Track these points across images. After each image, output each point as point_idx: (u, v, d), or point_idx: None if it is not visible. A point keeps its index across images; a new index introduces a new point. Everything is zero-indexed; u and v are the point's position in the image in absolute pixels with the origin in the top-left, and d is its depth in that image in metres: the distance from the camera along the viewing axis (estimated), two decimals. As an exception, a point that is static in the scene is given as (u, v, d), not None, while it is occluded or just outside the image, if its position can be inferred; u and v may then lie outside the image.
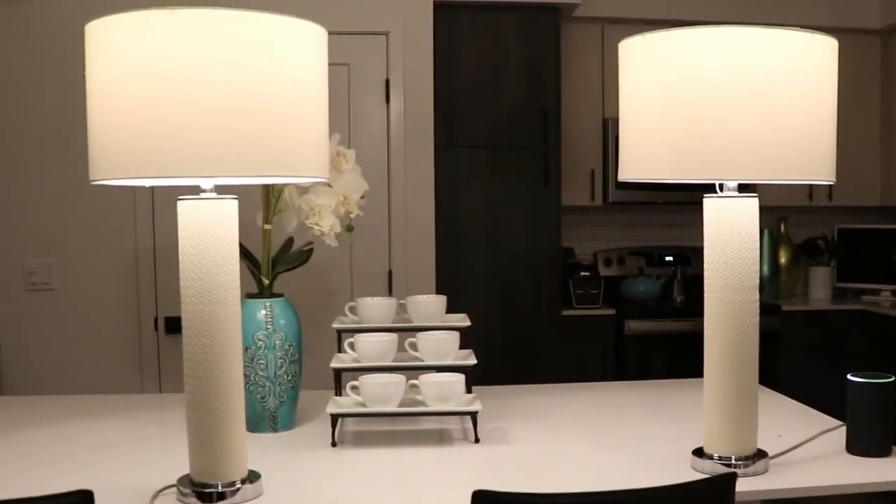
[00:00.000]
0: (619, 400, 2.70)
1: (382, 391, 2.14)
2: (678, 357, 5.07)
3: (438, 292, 4.40)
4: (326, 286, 4.26)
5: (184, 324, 1.73)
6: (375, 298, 2.40)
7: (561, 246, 4.90)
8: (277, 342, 2.27)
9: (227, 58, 1.52)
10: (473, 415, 2.19)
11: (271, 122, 1.57)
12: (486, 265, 4.74)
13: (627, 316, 5.03)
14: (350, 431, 2.30)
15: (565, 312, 4.96)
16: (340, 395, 2.30)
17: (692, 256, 5.65)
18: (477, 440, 2.19)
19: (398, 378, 2.16)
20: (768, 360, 5.11)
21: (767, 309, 5.12)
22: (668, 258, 5.59)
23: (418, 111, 4.37)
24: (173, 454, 2.06)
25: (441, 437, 2.25)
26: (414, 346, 2.33)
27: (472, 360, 2.29)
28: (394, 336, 2.29)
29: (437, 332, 2.30)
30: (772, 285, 5.57)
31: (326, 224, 2.27)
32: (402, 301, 2.48)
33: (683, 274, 5.45)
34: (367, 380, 2.15)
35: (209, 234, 1.68)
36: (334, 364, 2.27)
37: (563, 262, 5.11)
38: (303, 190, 2.29)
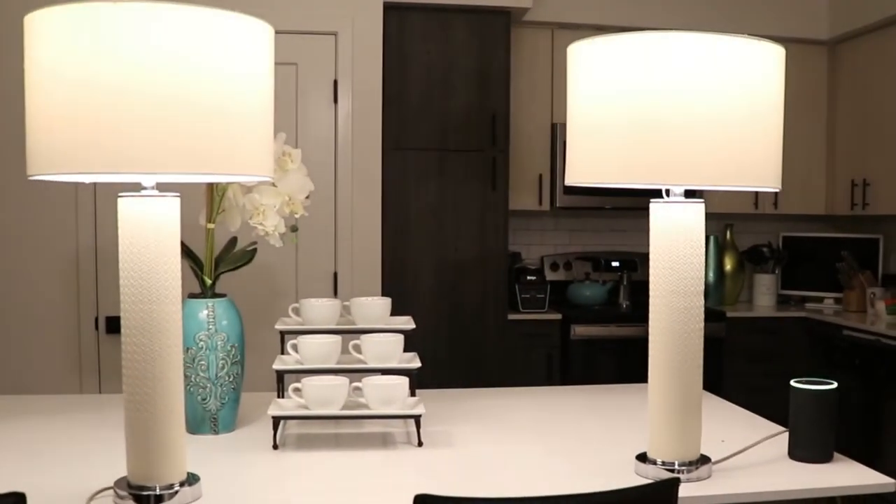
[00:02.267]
0: (564, 404, 2.69)
1: (325, 393, 2.11)
2: (624, 362, 5.08)
3: (384, 295, 4.38)
4: (270, 287, 4.22)
5: (123, 322, 1.69)
6: (319, 300, 2.37)
7: (508, 250, 4.90)
8: (219, 343, 2.23)
9: (167, 52, 1.49)
10: (417, 418, 2.17)
11: (213, 119, 1.54)
12: (433, 268, 4.72)
13: (573, 321, 5.04)
14: (292, 434, 2.27)
15: (511, 317, 4.96)
16: (283, 397, 2.27)
17: (638, 262, 5.68)
18: (420, 444, 2.17)
19: (341, 381, 2.13)
20: (713, 365, 5.16)
21: (712, 315, 5.16)
22: (615, 263, 5.61)
23: (367, 112, 4.35)
24: (111, 456, 2.02)
25: (384, 441, 2.23)
26: (358, 349, 2.31)
27: (416, 363, 2.27)
28: (337, 338, 2.26)
29: (380, 335, 2.28)
30: (717, 292, 5.62)
31: (270, 224, 2.24)
32: (346, 303, 2.45)
33: (630, 279, 5.47)
34: (309, 382, 2.12)
35: (150, 231, 1.64)
36: (277, 366, 2.24)
37: (510, 266, 5.10)
38: (247, 189, 2.26)
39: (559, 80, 5.32)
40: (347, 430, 2.32)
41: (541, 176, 5.31)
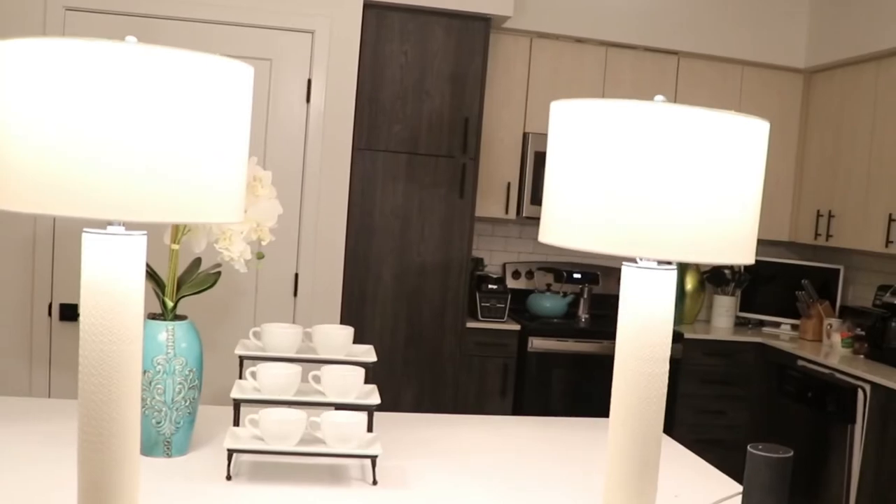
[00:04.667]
0: (522, 438, 2.68)
1: (282, 428, 2.08)
2: (579, 378, 5.10)
3: (344, 296, 4.35)
4: (229, 286, 4.18)
5: (81, 360, 1.64)
6: (281, 326, 2.34)
7: (471, 258, 4.88)
8: (178, 367, 2.19)
9: (140, 94, 1.44)
10: (373, 458, 2.15)
11: (187, 167, 1.50)
12: (395, 270, 4.70)
13: (531, 333, 5.04)
14: (246, 462, 2.24)
15: (470, 324, 4.95)
16: (238, 424, 2.24)
17: (601, 275, 5.69)
18: (375, 482, 2.16)
19: (299, 416, 2.11)
20: (668, 387, 5.18)
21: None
22: (577, 275, 5.62)
23: (339, 112, 4.31)
24: (61, 479, 1.99)
25: (338, 476, 2.20)
26: (317, 379, 2.28)
27: (376, 399, 2.24)
28: (298, 369, 2.23)
29: (341, 368, 2.25)
30: (676, 311, 5.64)
31: (237, 250, 2.20)
32: (307, 329, 2.42)
33: (591, 293, 5.48)
34: (267, 415, 2.09)
35: (114, 271, 1.60)
36: (235, 394, 2.20)
37: (471, 272, 5.09)
38: (215, 212, 2.22)
39: (535, 88, 5.30)
40: (301, 460, 2.29)
41: (509, 184, 5.29)
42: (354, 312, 4.56)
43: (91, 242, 1.62)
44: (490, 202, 5.27)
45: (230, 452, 2.11)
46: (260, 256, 2.30)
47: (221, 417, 2.63)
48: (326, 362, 2.31)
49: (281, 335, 2.32)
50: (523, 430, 2.79)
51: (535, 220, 5.56)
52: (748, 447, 2.12)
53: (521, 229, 5.75)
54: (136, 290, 1.64)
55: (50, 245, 4.04)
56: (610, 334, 5.12)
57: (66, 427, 2.41)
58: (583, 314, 5.44)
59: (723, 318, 5.77)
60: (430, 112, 4.71)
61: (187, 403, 2.23)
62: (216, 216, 1.59)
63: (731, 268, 5.79)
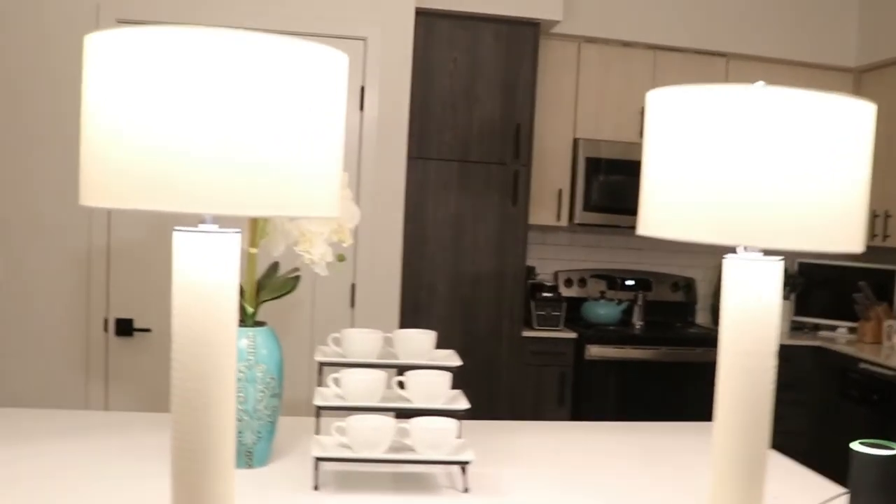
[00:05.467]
0: (610, 444, 2.60)
1: (371, 436, 2.02)
2: (638, 384, 5.01)
3: (402, 307, 4.29)
4: (286, 297, 4.12)
5: (174, 366, 1.59)
6: (361, 331, 2.27)
7: (525, 266, 4.81)
8: (259, 374, 2.13)
9: (240, 83, 1.39)
10: (465, 465, 2.08)
11: (286, 157, 1.44)
12: (449, 280, 4.64)
13: (589, 340, 4.95)
14: (330, 472, 2.18)
15: (525, 333, 4.88)
16: (319, 432, 2.18)
17: (653, 282, 5.60)
18: (466, 490, 2.09)
19: (388, 422, 2.04)
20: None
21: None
22: (630, 282, 5.53)
23: (393, 120, 4.25)
24: (148, 495, 1.93)
25: (427, 484, 2.14)
26: (401, 384, 2.22)
27: (464, 404, 2.17)
28: (383, 374, 2.17)
29: (427, 372, 2.19)
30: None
31: (318, 252, 2.14)
32: (387, 334, 2.36)
33: (645, 299, 5.40)
34: (355, 422, 2.03)
35: (208, 271, 1.54)
36: (318, 402, 2.14)
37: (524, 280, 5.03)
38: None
39: (584, 93, 5.24)
40: (387, 469, 2.22)
41: (560, 191, 5.22)
42: (409, 322, 4.49)
43: (183, 241, 1.56)
44: (541, 209, 5.20)
45: (317, 461, 2.05)
46: (341, 259, 2.24)
47: (295, 426, 2.57)
48: (410, 367, 2.24)
49: (362, 340, 2.26)
50: (613, 435, 2.71)
51: (587, 227, 5.49)
52: (851, 446, 2.04)
53: (571, 237, 5.68)
54: (230, 289, 1.58)
55: (105, 260, 4.00)
56: (666, 340, 5.04)
57: (135, 440, 2.36)
58: (637, 321, 5.35)
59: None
60: (481, 119, 4.65)
61: (269, 412, 2.17)
62: (318, 210, 1.53)
63: (785, 271, 5.69)
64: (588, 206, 5.14)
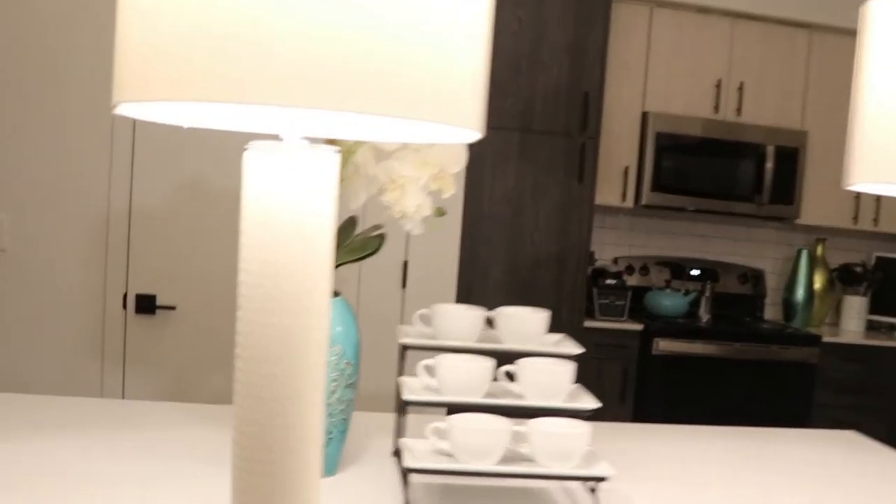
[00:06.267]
0: (728, 453, 2.12)
1: (482, 442, 1.54)
2: (708, 382, 4.53)
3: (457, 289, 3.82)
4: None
5: (239, 344, 1.10)
6: (458, 307, 1.80)
7: (589, 251, 4.34)
8: (333, 358, 1.66)
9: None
10: (600, 481, 1.60)
11: (416, 43, 0.94)
12: (506, 261, 4.17)
13: (656, 333, 4.47)
14: (420, 484, 1.71)
15: (587, 324, 4.40)
16: (403, 434, 1.70)
17: (720, 272, 5.12)
18: (597, 514, 1.62)
19: (503, 424, 1.57)
20: (804, 395, 4.61)
21: (806, 339, 4.61)
22: (695, 272, 5.05)
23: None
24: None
25: (540, 500, 1.66)
26: (510, 375, 1.75)
27: (593, 402, 1.69)
28: (491, 363, 1.69)
29: (545, 361, 1.71)
30: (804, 311, 5.05)
31: (412, 203, 1.66)
32: (489, 313, 1.88)
33: (713, 290, 4.91)
34: (461, 424, 1.55)
35: (294, 206, 1.04)
36: (408, 396, 1.66)
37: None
38: (383, 153, 1.68)
39: (655, 63, 4.75)
40: (491, 482, 1.75)
41: (627, 169, 4.74)
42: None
43: (257, 162, 1.05)
44: (605, 188, 4.72)
45: (406, 472, 1.58)
46: (441, 213, 1.76)
47: (367, 424, 2.10)
48: (521, 355, 1.77)
49: (460, 318, 1.78)
50: (718, 442, 2.23)
51: (653, 210, 5.01)
52: None
53: (631, 220, 5.18)
54: (326, 234, 1.09)
55: (125, 228, 3.53)
56: (737, 336, 4.56)
57: (157, 435, 1.89)
58: (704, 314, 4.87)
59: (853, 320, 5.17)
60: (546, 85, 4.17)
61: (342, 407, 1.70)
62: (457, 120, 1.03)
63: (862, 264, 5.20)
64: (658, 187, 4.66)
